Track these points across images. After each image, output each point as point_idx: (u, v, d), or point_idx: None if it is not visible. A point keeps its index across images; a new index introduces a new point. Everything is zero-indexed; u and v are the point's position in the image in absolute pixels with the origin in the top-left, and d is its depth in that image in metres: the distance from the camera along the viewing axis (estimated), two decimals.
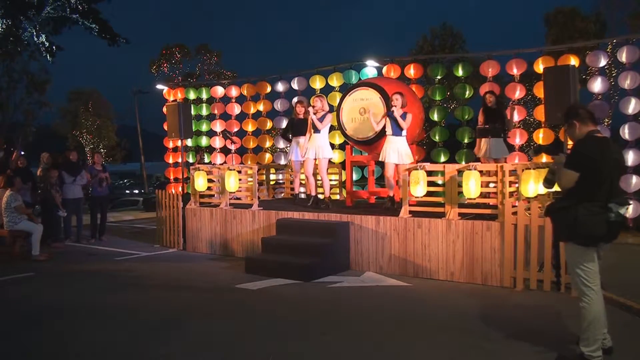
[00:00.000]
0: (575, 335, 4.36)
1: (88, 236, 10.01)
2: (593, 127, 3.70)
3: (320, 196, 8.02)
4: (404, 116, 7.12)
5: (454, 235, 6.22)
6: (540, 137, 8.42)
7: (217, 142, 11.89)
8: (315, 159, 7.78)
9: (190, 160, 12.09)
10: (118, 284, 6.52)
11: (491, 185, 6.59)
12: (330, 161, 10.11)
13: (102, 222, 10.13)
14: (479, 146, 7.85)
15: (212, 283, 6.45)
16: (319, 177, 8.14)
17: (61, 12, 17.51)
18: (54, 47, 17.90)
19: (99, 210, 10.03)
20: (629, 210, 3.64)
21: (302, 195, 8.47)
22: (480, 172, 6.28)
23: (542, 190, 6.68)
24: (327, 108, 7.98)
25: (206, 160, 12.37)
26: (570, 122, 3.78)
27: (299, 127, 8.32)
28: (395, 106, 7.12)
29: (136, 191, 20.75)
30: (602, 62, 8.25)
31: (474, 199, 6.25)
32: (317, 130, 7.70)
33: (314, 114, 7.69)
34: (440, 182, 7.46)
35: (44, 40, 17.54)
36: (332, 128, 10.20)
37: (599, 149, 3.58)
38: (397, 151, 7.14)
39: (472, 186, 6.10)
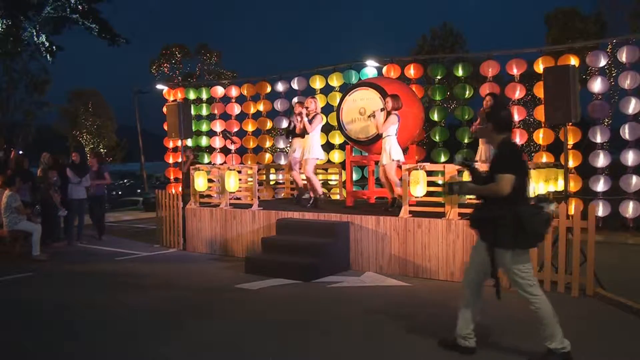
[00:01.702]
0: (575, 335, 4.36)
1: (89, 236, 10.05)
2: (508, 134, 3.80)
3: (307, 195, 8.24)
4: (385, 118, 7.22)
5: (454, 235, 6.21)
6: (541, 137, 8.42)
7: (217, 142, 11.89)
8: (304, 159, 7.91)
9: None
10: (118, 284, 6.52)
11: None
12: (329, 161, 10.20)
13: (101, 222, 10.20)
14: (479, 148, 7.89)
15: (212, 283, 6.45)
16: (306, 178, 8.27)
17: (61, 12, 17.50)
18: (54, 47, 17.89)
19: (97, 210, 10.11)
20: (554, 208, 3.75)
21: (305, 195, 8.50)
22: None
23: (542, 190, 6.70)
24: (319, 110, 8.08)
25: (206, 160, 12.37)
26: (486, 126, 3.84)
27: (295, 128, 8.39)
28: (385, 108, 7.18)
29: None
30: (602, 62, 8.25)
31: (474, 199, 6.24)
32: (306, 132, 7.81)
33: (306, 115, 7.78)
34: (440, 182, 7.47)
35: (44, 40, 17.53)
36: (331, 128, 10.23)
37: (520, 153, 3.83)
38: (384, 151, 7.20)
39: None
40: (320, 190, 8.11)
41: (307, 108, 7.89)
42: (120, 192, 23.40)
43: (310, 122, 7.79)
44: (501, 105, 4.11)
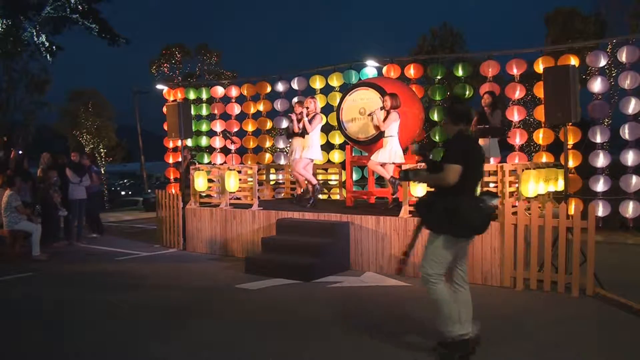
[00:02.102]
0: (575, 335, 4.37)
1: (89, 236, 10.09)
2: (464, 126, 3.89)
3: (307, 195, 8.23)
4: (385, 116, 7.26)
5: None
6: (540, 137, 8.42)
7: (217, 142, 11.89)
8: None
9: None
10: (118, 283, 6.52)
11: (491, 185, 6.59)
12: (329, 161, 10.20)
13: (98, 219, 10.34)
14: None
15: (212, 283, 6.45)
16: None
17: (61, 12, 17.48)
18: (54, 47, 17.88)
19: (93, 207, 10.37)
20: (497, 203, 3.80)
21: (306, 195, 8.50)
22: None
23: (542, 190, 6.70)
24: (319, 110, 8.12)
25: (206, 160, 12.37)
26: (445, 119, 4.00)
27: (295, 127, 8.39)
28: (384, 107, 7.20)
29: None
30: (602, 62, 8.24)
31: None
32: (306, 132, 7.80)
33: (306, 115, 7.80)
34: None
35: (44, 40, 17.52)
36: (331, 128, 10.23)
37: (472, 145, 3.86)
38: (385, 150, 7.25)
39: None
40: (314, 180, 8.17)
41: (307, 108, 7.91)
42: (130, 192, 24.18)
43: (309, 122, 7.81)
44: (453, 102, 4.25)
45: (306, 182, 8.22)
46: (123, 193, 24.81)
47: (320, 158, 8.63)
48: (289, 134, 8.79)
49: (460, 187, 3.68)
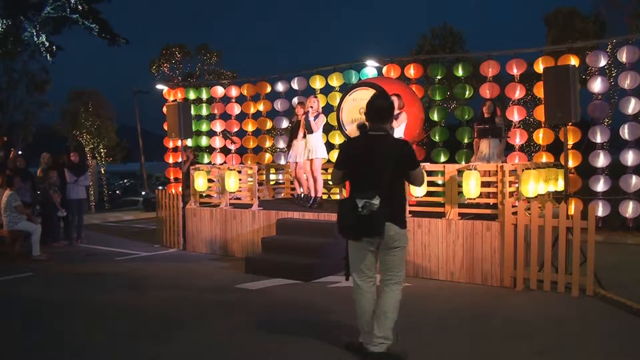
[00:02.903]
0: (575, 335, 4.37)
1: (89, 236, 10.07)
2: (372, 124, 3.72)
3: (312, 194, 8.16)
4: (396, 116, 7.21)
5: (454, 235, 6.22)
6: (540, 137, 8.43)
7: (217, 142, 11.90)
8: (311, 159, 7.85)
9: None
10: (118, 283, 6.52)
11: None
12: (328, 161, 10.18)
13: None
14: (477, 147, 7.90)
15: (212, 283, 6.45)
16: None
17: (61, 12, 17.51)
18: (54, 47, 17.91)
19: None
20: (371, 205, 3.59)
21: (303, 195, 8.48)
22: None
23: (542, 190, 6.70)
24: (320, 109, 8.09)
25: (206, 160, 12.37)
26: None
27: (298, 129, 8.33)
28: None
29: None
30: (602, 62, 8.25)
31: (474, 199, 6.25)
32: (311, 131, 7.76)
33: (311, 114, 7.78)
34: (440, 182, 7.47)
35: (44, 40, 17.55)
36: (331, 128, 10.23)
37: (355, 146, 3.78)
38: None
39: (472, 186, 6.10)
40: (321, 192, 8.11)
41: (311, 107, 7.87)
42: (148, 192, 24.35)
43: (314, 121, 7.75)
44: (372, 100, 3.89)
45: (313, 182, 8.12)
46: (143, 193, 24.96)
47: (327, 156, 8.61)
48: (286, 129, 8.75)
49: (353, 188, 3.79)
